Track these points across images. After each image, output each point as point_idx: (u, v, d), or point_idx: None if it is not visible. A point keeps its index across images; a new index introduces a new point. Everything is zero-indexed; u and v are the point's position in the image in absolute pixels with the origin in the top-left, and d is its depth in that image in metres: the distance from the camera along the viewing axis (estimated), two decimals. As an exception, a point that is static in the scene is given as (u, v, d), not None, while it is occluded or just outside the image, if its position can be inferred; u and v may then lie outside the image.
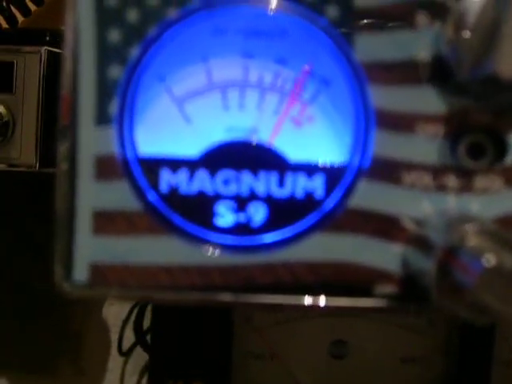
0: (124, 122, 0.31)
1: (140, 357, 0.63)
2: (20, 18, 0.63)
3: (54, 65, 0.50)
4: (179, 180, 0.32)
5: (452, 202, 0.31)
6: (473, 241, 0.27)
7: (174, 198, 0.32)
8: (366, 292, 0.31)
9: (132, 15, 0.31)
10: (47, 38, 0.53)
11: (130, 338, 0.62)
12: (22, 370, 0.64)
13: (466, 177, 0.31)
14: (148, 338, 0.58)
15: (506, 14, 0.27)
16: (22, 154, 0.50)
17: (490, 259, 0.26)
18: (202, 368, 0.48)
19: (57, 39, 0.51)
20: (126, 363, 0.65)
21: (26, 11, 0.63)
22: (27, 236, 0.62)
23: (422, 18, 0.31)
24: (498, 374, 0.49)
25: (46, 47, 0.50)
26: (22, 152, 0.50)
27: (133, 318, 0.60)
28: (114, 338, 0.65)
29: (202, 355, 0.48)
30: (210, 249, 0.31)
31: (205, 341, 0.48)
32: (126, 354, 0.63)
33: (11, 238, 0.62)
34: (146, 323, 0.59)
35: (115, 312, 0.66)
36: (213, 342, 0.48)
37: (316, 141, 0.32)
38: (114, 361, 0.66)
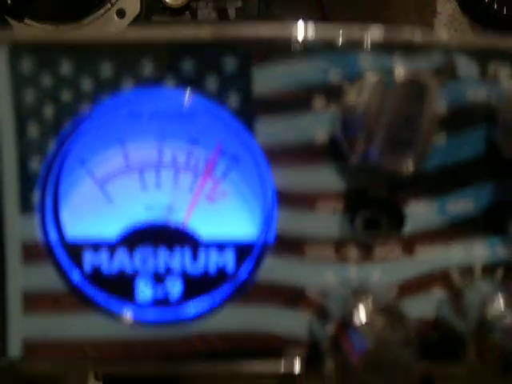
0: (46, 209, 0.34)
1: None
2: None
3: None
4: (101, 260, 0.34)
5: (353, 272, 0.34)
6: (361, 319, 0.30)
7: (96, 277, 0.34)
8: (277, 355, 0.34)
9: (48, 111, 0.33)
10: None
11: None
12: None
13: (366, 248, 0.33)
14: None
15: (386, 107, 0.29)
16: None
17: (371, 341, 0.29)
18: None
19: None
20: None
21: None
22: None
23: (318, 102, 0.33)
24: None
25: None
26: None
27: None
28: None
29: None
30: (132, 323, 0.34)
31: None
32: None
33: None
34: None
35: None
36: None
37: (228, 216, 0.35)
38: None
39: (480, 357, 0.31)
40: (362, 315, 0.30)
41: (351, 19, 0.35)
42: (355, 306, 0.30)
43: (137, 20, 0.65)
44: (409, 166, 0.29)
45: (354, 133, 0.31)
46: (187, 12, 0.68)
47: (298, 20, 0.33)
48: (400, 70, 0.30)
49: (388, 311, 0.30)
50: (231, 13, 0.69)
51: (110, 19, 0.65)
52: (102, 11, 0.64)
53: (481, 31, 0.57)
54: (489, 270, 0.34)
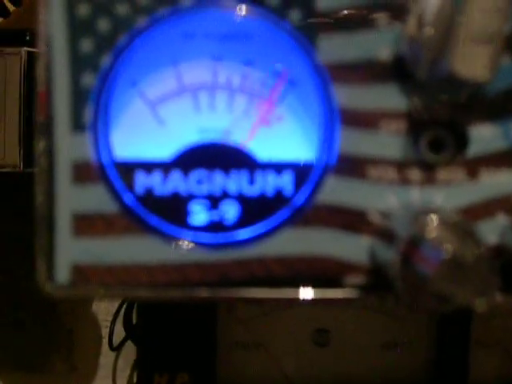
0: (98, 127, 0.32)
1: (131, 351, 0.64)
2: (-1, 18, 0.64)
3: (34, 65, 0.51)
4: (154, 181, 0.33)
5: (416, 195, 0.32)
6: (433, 232, 0.29)
7: (149, 199, 0.33)
8: (336, 283, 0.33)
9: (103, 24, 0.32)
10: (27, 38, 0.54)
11: (120, 333, 0.64)
12: (13, 367, 0.65)
13: (429, 170, 0.32)
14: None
15: (461, 13, 0.29)
16: (7, 155, 0.51)
17: (447, 250, 0.27)
18: (187, 360, 0.50)
19: (37, 39, 0.52)
20: (117, 358, 0.67)
21: (4, 12, 0.63)
22: (14, 234, 0.63)
23: (382, 19, 0.32)
24: (476, 355, 0.50)
25: (25, 48, 0.51)
26: (6, 153, 0.51)
27: (122, 313, 0.61)
28: (105, 333, 0.66)
29: (187, 347, 0.50)
30: (186, 246, 0.32)
31: (189, 333, 0.49)
32: (116, 349, 0.64)
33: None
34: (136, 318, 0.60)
35: (105, 308, 0.67)
36: (197, 333, 0.49)
37: (285, 139, 0.33)
38: (105, 356, 0.67)
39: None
40: (433, 229, 0.29)
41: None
42: (425, 222, 0.29)
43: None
44: (486, 72, 0.28)
45: (421, 48, 0.30)
46: None
47: None
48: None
49: (459, 227, 0.29)
50: None
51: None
52: None
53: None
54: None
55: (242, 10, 0.32)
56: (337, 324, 0.51)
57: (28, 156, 0.51)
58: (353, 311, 0.51)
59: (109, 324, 0.64)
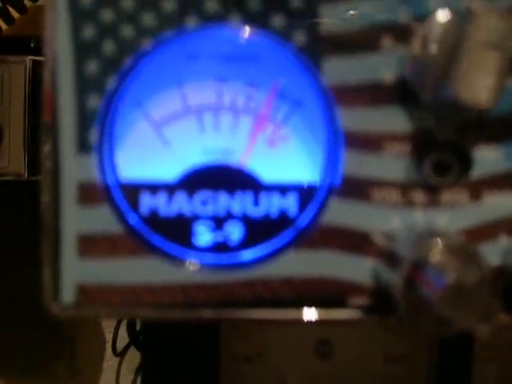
0: (104, 149, 0.32)
1: (134, 357, 0.65)
2: (3, 26, 0.64)
3: (38, 73, 0.51)
4: (159, 202, 0.33)
5: (420, 217, 0.33)
6: (436, 256, 0.29)
7: (153, 219, 0.33)
8: (340, 304, 0.33)
9: (108, 46, 0.32)
10: (32, 45, 0.54)
11: (124, 338, 0.64)
12: (17, 372, 0.66)
13: (433, 192, 0.33)
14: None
15: (465, 40, 0.29)
16: (11, 163, 0.51)
17: (451, 276, 0.28)
18: (190, 369, 0.50)
19: (41, 46, 0.52)
20: (120, 363, 0.67)
21: (9, 19, 0.63)
22: (18, 241, 0.63)
23: (386, 41, 0.32)
24: (479, 370, 0.51)
25: (30, 57, 0.51)
26: (11, 161, 0.51)
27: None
28: (109, 338, 0.67)
29: (190, 356, 0.50)
30: (191, 267, 0.33)
31: (193, 341, 0.50)
32: (120, 355, 0.64)
33: (2, 244, 0.64)
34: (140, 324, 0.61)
35: (109, 313, 0.67)
36: (201, 344, 0.50)
37: (289, 160, 0.34)
38: (109, 361, 0.67)
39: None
40: (437, 253, 0.29)
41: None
42: (429, 246, 0.29)
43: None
44: (488, 99, 0.28)
45: (425, 72, 0.30)
46: None
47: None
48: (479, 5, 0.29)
49: (463, 250, 0.29)
50: None
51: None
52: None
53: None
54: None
55: (247, 31, 0.32)
56: (339, 336, 0.52)
57: (32, 164, 0.51)
58: (355, 321, 0.51)
59: (112, 329, 0.65)
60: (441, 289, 0.28)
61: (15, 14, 0.63)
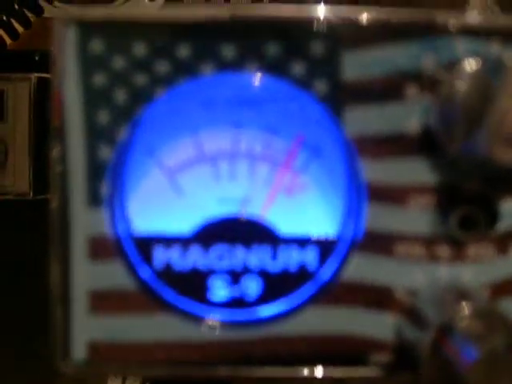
0: (115, 202, 0.31)
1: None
2: (8, 40, 0.63)
3: (43, 90, 0.50)
4: (172, 256, 0.32)
5: (444, 272, 0.31)
6: (465, 323, 0.28)
7: (167, 274, 0.32)
8: (361, 361, 0.32)
9: (120, 95, 0.31)
10: (36, 59, 0.53)
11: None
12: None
13: (458, 246, 0.31)
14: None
15: (499, 90, 0.27)
16: (16, 183, 0.50)
17: (482, 349, 0.26)
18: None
19: (46, 60, 0.51)
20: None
21: (13, 34, 0.62)
22: (22, 261, 0.62)
23: (411, 90, 0.31)
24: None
25: (35, 74, 0.50)
26: (16, 180, 0.50)
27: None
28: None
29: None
30: (207, 324, 0.31)
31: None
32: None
33: (5, 265, 0.62)
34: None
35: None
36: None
37: (308, 210, 0.32)
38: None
39: None
40: (465, 320, 0.28)
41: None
42: (456, 309, 0.28)
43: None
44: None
45: (453, 123, 0.29)
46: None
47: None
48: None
49: (490, 314, 0.28)
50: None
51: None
52: (134, -6, 0.62)
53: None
54: None
55: (264, 77, 0.31)
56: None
57: (37, 183, 0.50)
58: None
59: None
60: (470, 362, 0.26)
61: (20, 29, 0.62)
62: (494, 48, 0.31)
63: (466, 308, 0.28)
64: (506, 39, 0.31)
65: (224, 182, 0.32)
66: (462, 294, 0.30)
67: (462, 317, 0.28)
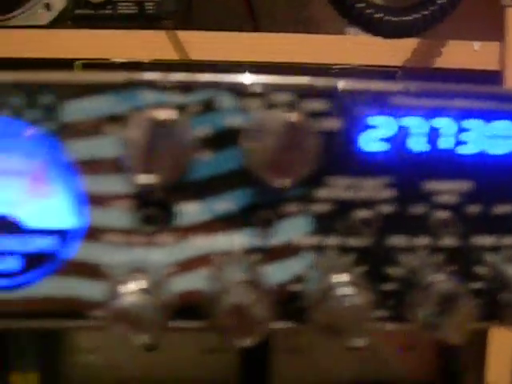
0: None
1: None
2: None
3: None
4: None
5: (139, 254, 0.46)
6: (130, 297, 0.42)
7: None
8: (81, 316, 0.46)
9: None
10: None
11: None
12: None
13: (147, 236, 0.45)
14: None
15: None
16: None
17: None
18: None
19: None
20: None
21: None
22: None
23: (110, 128, 0.45)
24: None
25: None
26: None
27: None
28: None
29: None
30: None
31: None
32: None
33: None
34: None
35: None
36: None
37: (51, 209, 0.47)
38: None
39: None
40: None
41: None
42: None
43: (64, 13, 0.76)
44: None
45: (128, 157, 0.43)
46: (109, 6, 0.80)
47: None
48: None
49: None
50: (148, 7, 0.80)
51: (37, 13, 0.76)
52: (30, 4, 0.76)
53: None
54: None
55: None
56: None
57: None
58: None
59: None
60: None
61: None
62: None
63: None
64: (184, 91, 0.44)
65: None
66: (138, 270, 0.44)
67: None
